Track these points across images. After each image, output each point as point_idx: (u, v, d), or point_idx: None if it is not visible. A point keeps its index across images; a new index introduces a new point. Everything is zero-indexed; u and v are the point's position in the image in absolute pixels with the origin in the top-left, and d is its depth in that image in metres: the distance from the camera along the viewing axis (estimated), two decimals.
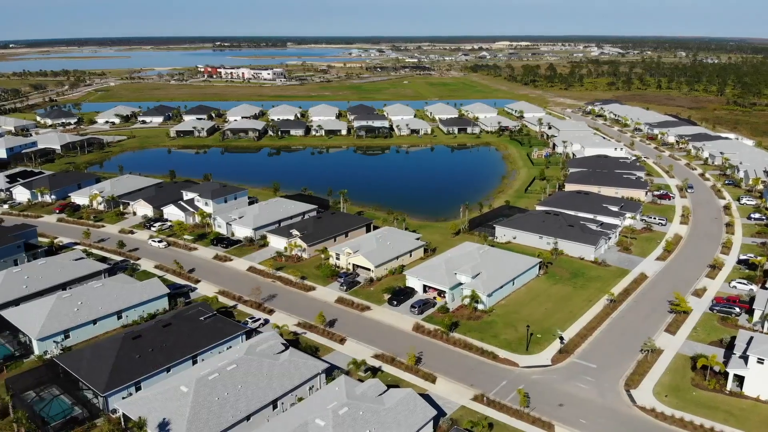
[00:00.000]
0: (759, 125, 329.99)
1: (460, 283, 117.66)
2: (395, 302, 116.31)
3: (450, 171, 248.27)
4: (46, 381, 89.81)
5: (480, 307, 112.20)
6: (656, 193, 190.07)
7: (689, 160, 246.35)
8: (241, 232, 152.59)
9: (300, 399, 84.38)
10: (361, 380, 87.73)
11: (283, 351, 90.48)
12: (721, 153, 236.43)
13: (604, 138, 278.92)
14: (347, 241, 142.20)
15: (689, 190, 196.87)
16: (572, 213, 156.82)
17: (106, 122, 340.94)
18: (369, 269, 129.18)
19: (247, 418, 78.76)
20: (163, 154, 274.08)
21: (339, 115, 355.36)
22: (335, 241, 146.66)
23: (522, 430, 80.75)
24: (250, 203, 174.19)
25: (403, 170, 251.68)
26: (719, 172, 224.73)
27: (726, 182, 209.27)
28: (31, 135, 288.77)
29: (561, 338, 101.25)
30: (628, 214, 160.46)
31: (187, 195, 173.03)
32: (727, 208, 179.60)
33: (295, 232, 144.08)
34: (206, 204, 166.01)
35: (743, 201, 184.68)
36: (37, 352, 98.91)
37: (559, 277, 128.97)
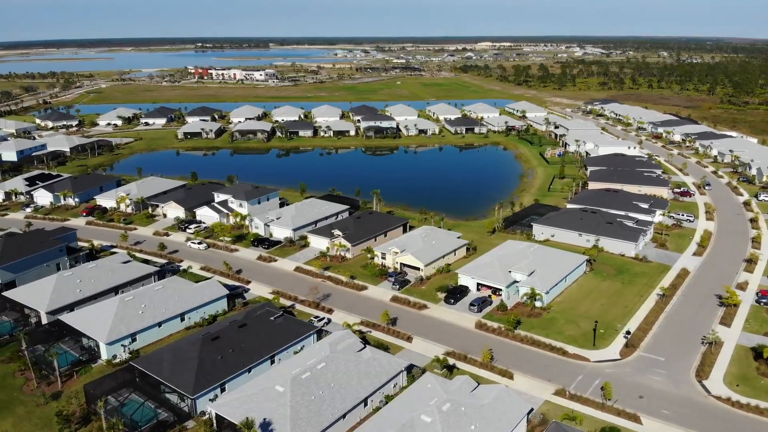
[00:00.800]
0: (756, 123, 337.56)
1: (515, 281, 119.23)
2: (452, 300, 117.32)
3: (465, 171, 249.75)
4: (123, 385, 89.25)
5: (538, 304, 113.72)
6: (677, 190, 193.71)
7: (699, 158, 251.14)
8: (280, 232, 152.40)
9: (387, 396, 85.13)
10: (445, 377, 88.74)
11: (362, 349, 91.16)
12: (730, 151, 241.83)
13: (613, 137, 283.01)
14: (390, 241, 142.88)
15: (707, 188, 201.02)
16: (604, 210, 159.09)
17: (108, 124, 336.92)
18: (418, 268, 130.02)
19: (343, 416, 79.29)
20: (172, 156, 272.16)
21: (342, 116, 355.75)
22: (375, 240, 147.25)
23: (610, 422, 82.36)
24: (281, 204, 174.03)
25: (417, 170, 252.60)
26: (731, 169, 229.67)
27: (741, 179, 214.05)
28: (34, 138, 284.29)
29: (627, 333, 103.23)
30: (659, 211, 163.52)
31: (219, 196, 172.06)
32: (747, 204, 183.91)
33: (337, 232, 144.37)
34: (240, 205, 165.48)
35: (761, 197, 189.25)
36: (105, 356, 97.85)
37: (606, 273, 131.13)
